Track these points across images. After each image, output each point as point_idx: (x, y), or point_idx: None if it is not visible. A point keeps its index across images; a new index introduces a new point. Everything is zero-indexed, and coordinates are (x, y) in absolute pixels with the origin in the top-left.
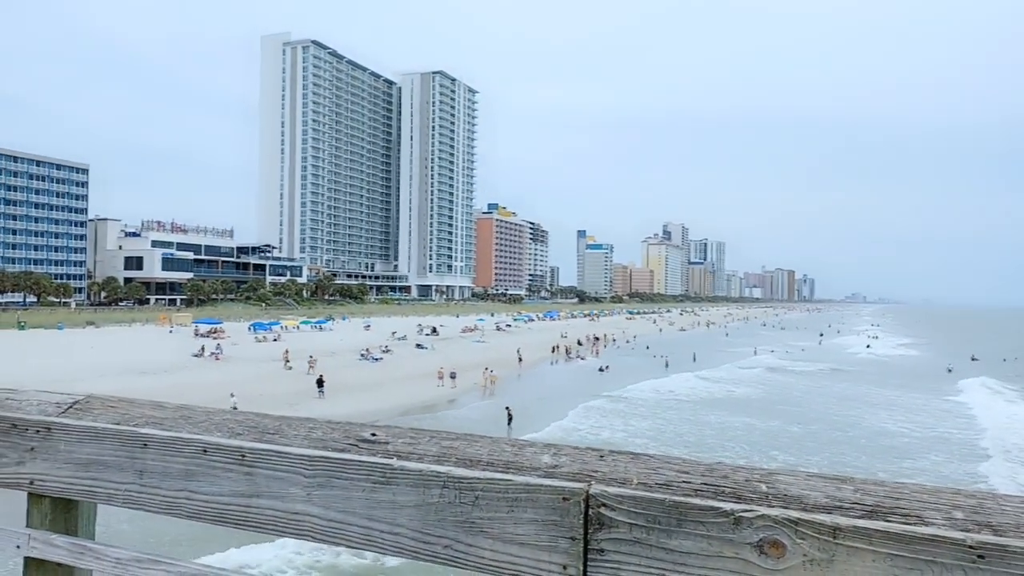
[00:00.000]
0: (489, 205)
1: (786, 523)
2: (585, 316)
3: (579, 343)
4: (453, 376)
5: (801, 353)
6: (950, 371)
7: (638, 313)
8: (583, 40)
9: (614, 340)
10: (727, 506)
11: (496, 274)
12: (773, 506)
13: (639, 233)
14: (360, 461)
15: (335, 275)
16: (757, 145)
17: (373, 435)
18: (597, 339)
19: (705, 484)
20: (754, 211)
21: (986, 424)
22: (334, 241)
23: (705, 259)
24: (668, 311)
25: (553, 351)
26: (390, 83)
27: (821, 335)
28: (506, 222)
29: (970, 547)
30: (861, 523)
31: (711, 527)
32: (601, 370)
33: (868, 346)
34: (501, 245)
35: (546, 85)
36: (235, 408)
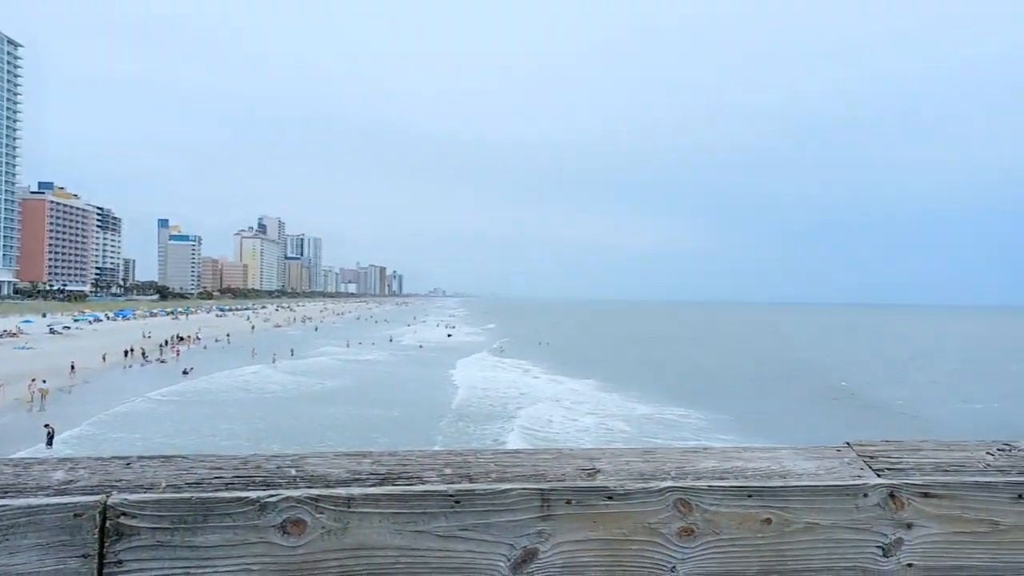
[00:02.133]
0: (41, 184)
1: (308, 501)
2: (168, 314)
3: (165, 343)
4: None
5: (390, 344)
6: (502, 350)
7: (230, 310)
8: (181, 9)
9: (199, 339)
10: (254, 495)
11: (50, 266)
12: (299, 487)
13: (234, 226)
14: None
15: None
16: (354, 146)
17: None
18: (182, 339)
19: (237, 477)
20: (349, 209)
21: (463, 388)
22: None
23: (302, 254)
24: (263, 307)
25: (127, 355)
26: None
27: (409, 325)
28: (64, 205)
29: (450, 495)
30: (372, 490)
31: (238, 517)
32: (185, 372)
33: (449, 335)
34: (57, 232)
35: (127, 55)
36: None
